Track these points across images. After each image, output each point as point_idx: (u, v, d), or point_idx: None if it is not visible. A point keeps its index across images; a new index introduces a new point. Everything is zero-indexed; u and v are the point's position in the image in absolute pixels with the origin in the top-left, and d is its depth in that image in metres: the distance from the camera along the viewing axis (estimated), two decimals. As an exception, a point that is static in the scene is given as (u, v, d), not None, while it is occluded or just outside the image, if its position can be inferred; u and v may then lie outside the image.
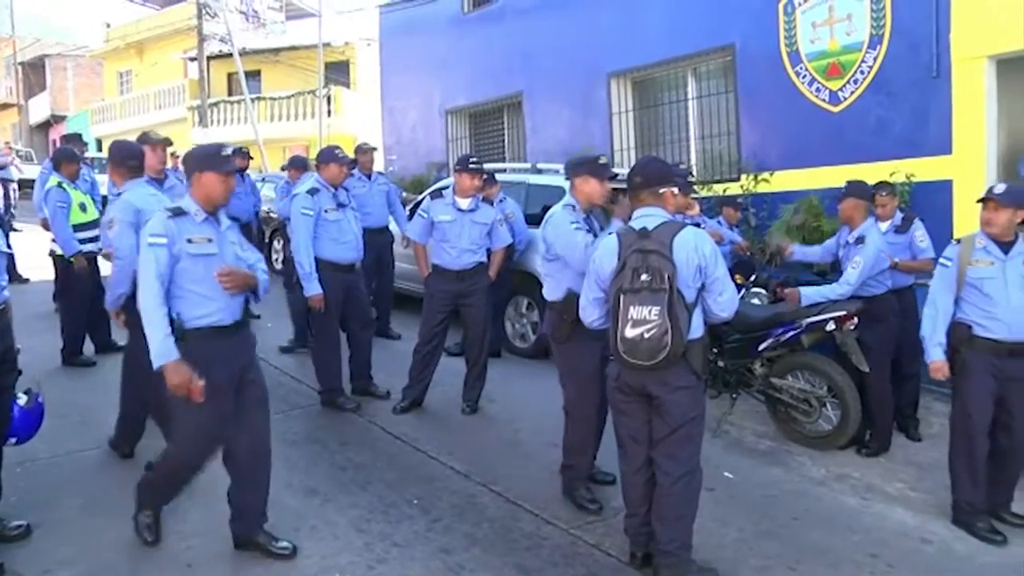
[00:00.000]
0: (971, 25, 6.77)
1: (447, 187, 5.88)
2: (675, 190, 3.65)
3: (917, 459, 5.32)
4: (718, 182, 8.67)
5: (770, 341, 5.47)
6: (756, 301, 6.26)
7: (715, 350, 5.73)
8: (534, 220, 7.10)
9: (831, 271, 6.27)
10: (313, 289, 5.52)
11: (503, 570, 3.69)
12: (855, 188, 5.45)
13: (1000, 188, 4.28)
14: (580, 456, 4.36)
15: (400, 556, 3.77)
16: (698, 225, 5.02)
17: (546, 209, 6.99)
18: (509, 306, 7.59)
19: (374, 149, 8.30)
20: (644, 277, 3.33)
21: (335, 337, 5.83)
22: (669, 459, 3.49)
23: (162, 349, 3.29)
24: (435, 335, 5.77)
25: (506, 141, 12.06)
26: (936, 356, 4.36)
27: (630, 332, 3.35)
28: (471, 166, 5.71)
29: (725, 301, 3.46)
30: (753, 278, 6.64)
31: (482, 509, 4.30)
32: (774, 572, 3.83)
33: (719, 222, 7.39)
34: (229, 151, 3.63)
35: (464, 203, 5.71)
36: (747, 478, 4.97)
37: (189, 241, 3.43)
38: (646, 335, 3.31)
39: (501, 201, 7.03)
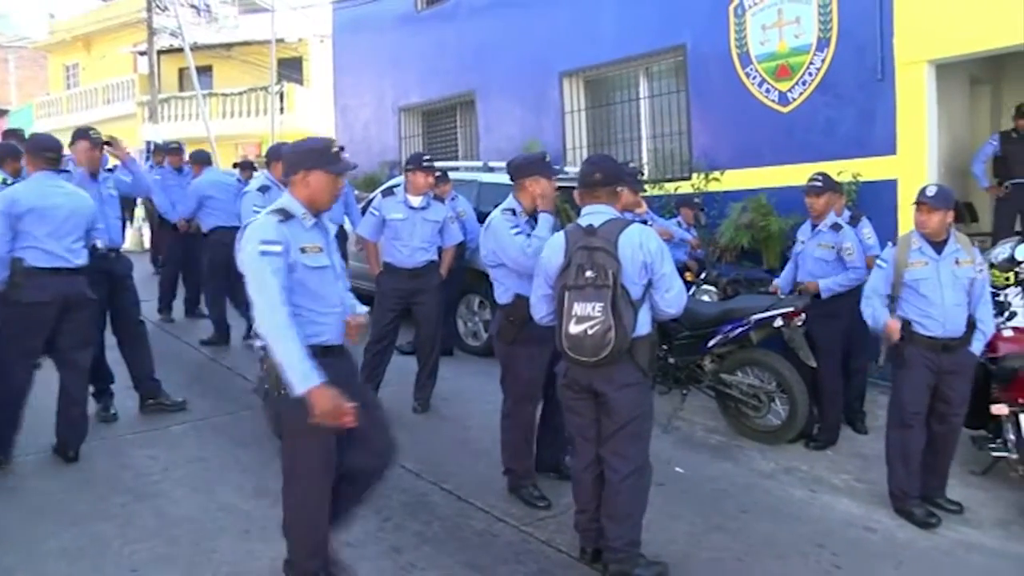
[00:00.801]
0: (912, 31, 6.95)
1: (398, 185, 5.86)
2: (623, 189, 3.70)
3: (863, 451, 5.43)
4: (669, 181, 8.74)
5: (719, 338, 5.55)
6: (706, 298, 6.35)
7: (665, 347, 5.80)
8: (486, 218, 7.09)
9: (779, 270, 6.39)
10: None
11: (454, 568, 3.69)
12: (831, 182, 5.61)
13: (931, 191, 4.43)
14: (519, 459, 4.40)
15: (351, 555, 3.73)
16: (645, 222, 5.09)
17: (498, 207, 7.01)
18: (461, 304, 7.58)
19: (340, 149, 8.20)
20: (589, 274, 3.35)
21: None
22: (617, 456, 3.51)
23: (304, 372, 2.79)
24: (386, 334, 5.74)
25: (459, 139, 12.03)
26: (886, 318, 4.49)
27: (574, 328, 3.37)
28: (423, 164, 5.69)
29: (672, 297, 3.48)
30: (703, 275, 6.74)
31: (433, 507, 4.30)
32: (723, 564, 3.89)
33: (679, 222, 7.48)
34: (338, 147, 3.31)
35: (416, 201, 5.70)
36: (697, 472, 5.03)
37: (303, 251, 3.01)
38: (589, 331, 3.32)
39: (453, 199, 7.03)
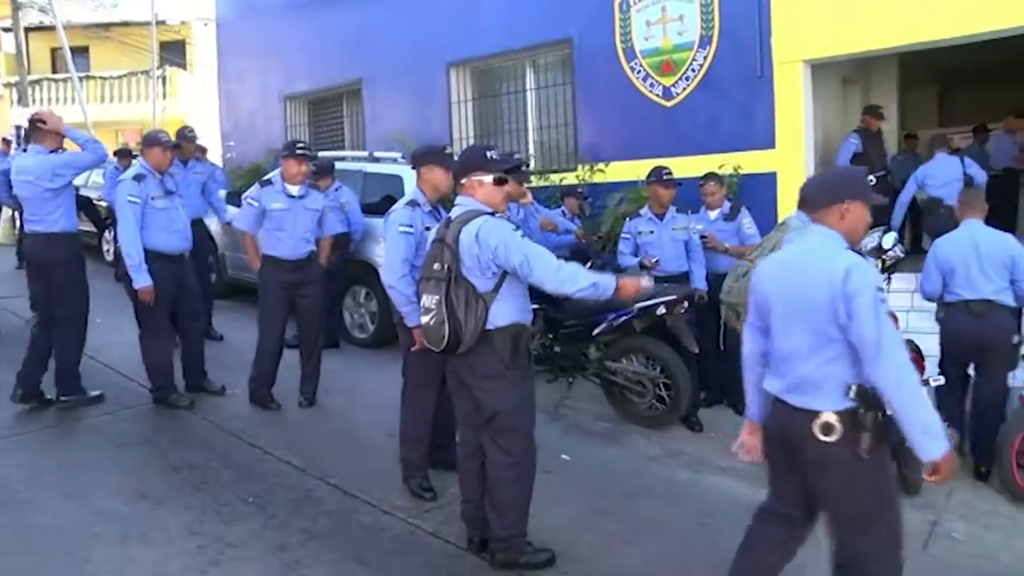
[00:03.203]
0: (789, 31, 7.29)
1: (274, 175, 5.67)
2: (483, 179, 3.53)
3: (746, 432, 5.64)
4: (555, 172, 8.88)
5: (604, 326, 5.64)
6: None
7: (551, 336, 5.89)
8: (370, 209, 7.04)
9: None
10: (143, 281, 5.25)
11: (341, 564, 3.65)
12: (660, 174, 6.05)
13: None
14: (414, 447, 4.38)
15: (235, 556, 3.66)
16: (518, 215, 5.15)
17: (384, 198, 6.98)
18: (347, 296, 7.49)
19: (194, 137, 7.80)
20: (435, 267, 3.40)
21: (166, 332, 5.57)
22: (494, 447, 3.53)
23: (940, 433, 2.63)
24: (279, 328, 5.63)
25: (346, 128, 11.88)
26: None
27: (423, 319, 3.45)
28: (297, 152, 5.55)
29: (540, 278, 3.34)
30: (589, 265, 6.84)
31: (319, 503, 4.24)
32: (609, 548, 3.96)
33: (563, 212, 7.57)
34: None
35: (295, 190, 5.57)
36: (584, 459, 5.11)
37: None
38: (431, 323, 3.39)
39: (337, 190, 6.93)
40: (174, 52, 23.14)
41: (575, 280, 3.36)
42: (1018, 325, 5.14)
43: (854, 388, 2.65)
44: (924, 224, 7.76)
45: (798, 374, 2.76)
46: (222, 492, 4.30)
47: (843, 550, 2.84)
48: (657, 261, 5.93)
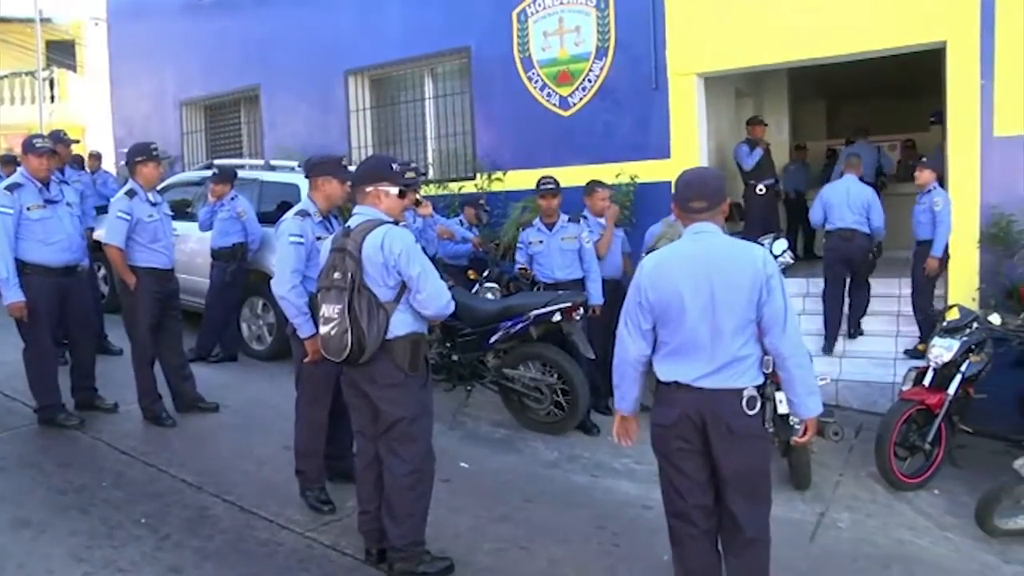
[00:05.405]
0: (682, 45, 7.56)
1: (133, 184, 5.44)
2: (389, 190, 3.57)
3: (642, 435, 5.71)
4: (454, 180, 8.96)
5: (500, 334, 5.69)
6: (490, 296, 6.53)
7: (448, 344, 5.92)
8: (267, 218, 6.94)
9: None
10: (11, 296, 5.00)
11: (236, 582, 3.61)
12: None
13: None
14: (310, 460, 4.35)
15: (121, 583, 3.57)
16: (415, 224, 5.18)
17: (280, 206, 6.92)
18: (244, 307, 7.37)
19: (75, 141, 7.40)
20: (336, 276, 3.40)
21: (49, 348, 5.31)
22: (392, 456, 3.54)
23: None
24: (150, 342, 5.50)
25: (244, 135, 11.69)
26: None
27: (323, 329, 3.44)
28: (155, 154, 5.43)
29: (424, 299, 3.43)
30: (486, 273, 6.93)
31: (215, 521, 4.16)
32: (507, 554, 4.02)
33: (461, 221, 7.62)
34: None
35: (152, 196, 5.46)
36: (482, 467, 5.16)
37: None
38: (332, 332, 3.38)
39: (233, 199, 6.82)
40: (63, 52, 22.11)
41: (450, 307, 3.56)
42: (871, 246, 7.15)
43: (768, 361, 2.99)
44: None
45: (723, 358, 2.94)
46: (112, 514, 4.17)
47: (751, 527, 3.04)
48: (526, 269, 6.19)
